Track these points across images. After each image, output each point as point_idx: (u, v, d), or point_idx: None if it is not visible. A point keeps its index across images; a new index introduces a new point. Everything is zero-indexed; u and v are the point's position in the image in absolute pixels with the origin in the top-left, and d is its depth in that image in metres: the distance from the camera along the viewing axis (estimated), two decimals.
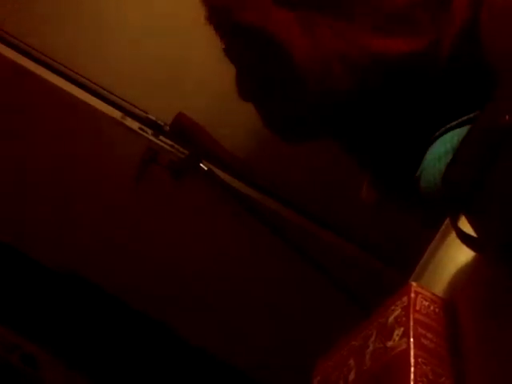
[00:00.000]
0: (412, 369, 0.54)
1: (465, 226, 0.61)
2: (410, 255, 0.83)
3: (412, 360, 0.55)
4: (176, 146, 1.65)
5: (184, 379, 1.83)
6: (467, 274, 0.67)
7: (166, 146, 1.65)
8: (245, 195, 1.64)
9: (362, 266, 1.60)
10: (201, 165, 1.64)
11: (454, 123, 0.65)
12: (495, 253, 0.51)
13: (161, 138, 1.66)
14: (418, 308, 0.60)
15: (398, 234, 1.44)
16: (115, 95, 1.66)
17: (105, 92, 1.65)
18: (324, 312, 1.65)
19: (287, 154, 1.64)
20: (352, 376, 0.63)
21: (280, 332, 1.74)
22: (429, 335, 0.59)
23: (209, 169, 1.64)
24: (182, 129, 1.67)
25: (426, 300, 0.62)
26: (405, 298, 0.61)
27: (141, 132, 1.65)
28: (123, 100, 1.66)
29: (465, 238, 0.56)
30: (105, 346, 1.79)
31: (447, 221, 0.72)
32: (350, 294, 1.56)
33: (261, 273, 1.73)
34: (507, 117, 0.48)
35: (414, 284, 0.63)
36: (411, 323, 0.58)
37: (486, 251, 0.54)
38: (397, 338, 0.59)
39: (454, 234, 0.64)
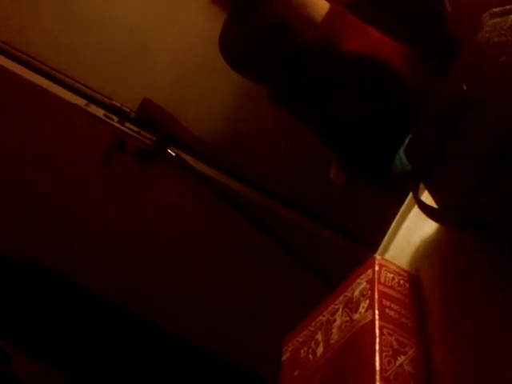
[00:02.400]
0: (377, 339, 0.55)
1: (428, 199, 0.62)
2: (377, 231, 0.84)
3: (377, 331, 0.56)
4: (143, 132, 1.64)
5: (157, 367, 1.83)
6: (432, 247, 0.68)
7: (132, 132, 1.63)
8: (213, 179, 1.63)
9: (332, 245, 1.61)
10: (168, 150, 1.63)
11: None
12: (456, 223, 0.51)
13: (127, 124, 1.64)
14: (382, 280, 0.61)
15: (365, 211, 1.45)
16: (78, 82, 1.63)
17: (68, 79, 1.62)
18: (301, 293, 1.66)
19: (254, 137, 1.64)
20: (320, 350, 0.64)
21: (256, 315, 1.75)
22: (394, 306, 0.59)
23: (177, 154, 1.63)
24: (149, 115, 1.65)
25: (391, 272, 0.63)
26: (369, 271, 0.62)
27: (106, 119, 1.63)
28: (87, 87, 1.63)
29: (427, 210, 0.57)
30: (73, 336, 1.78)
31: (411, 195, 0.73)
32: (320, 273, 1.58)
33: (230, 256, 1.73)
34: (464, 86, 0.49)
35: (377, 257, 0.64)
36: (376, 295, 0.59)
37: (448, 222, 0.55)
38: (362, 311, 0.59)
39: (417, 208, 0.64)
